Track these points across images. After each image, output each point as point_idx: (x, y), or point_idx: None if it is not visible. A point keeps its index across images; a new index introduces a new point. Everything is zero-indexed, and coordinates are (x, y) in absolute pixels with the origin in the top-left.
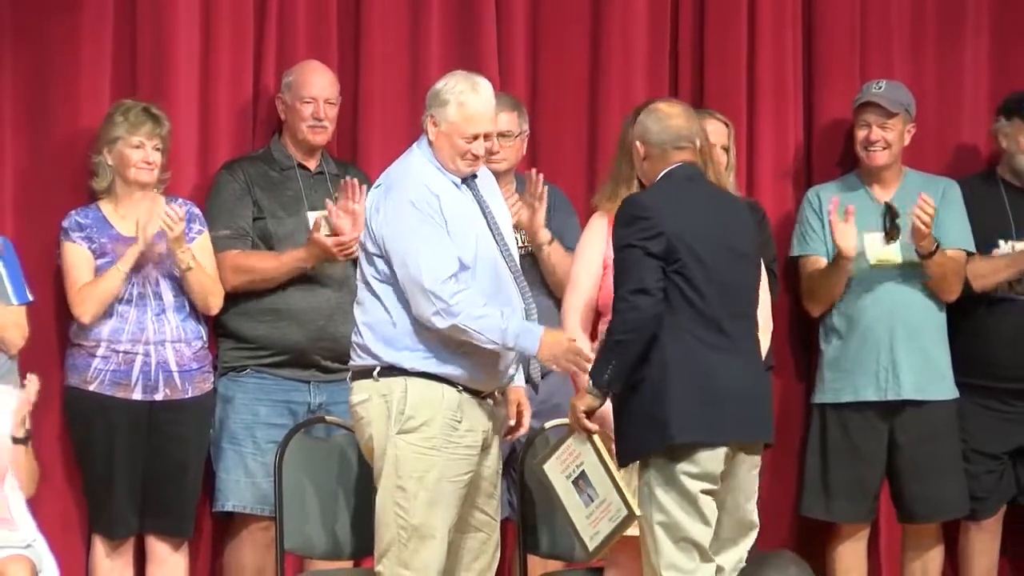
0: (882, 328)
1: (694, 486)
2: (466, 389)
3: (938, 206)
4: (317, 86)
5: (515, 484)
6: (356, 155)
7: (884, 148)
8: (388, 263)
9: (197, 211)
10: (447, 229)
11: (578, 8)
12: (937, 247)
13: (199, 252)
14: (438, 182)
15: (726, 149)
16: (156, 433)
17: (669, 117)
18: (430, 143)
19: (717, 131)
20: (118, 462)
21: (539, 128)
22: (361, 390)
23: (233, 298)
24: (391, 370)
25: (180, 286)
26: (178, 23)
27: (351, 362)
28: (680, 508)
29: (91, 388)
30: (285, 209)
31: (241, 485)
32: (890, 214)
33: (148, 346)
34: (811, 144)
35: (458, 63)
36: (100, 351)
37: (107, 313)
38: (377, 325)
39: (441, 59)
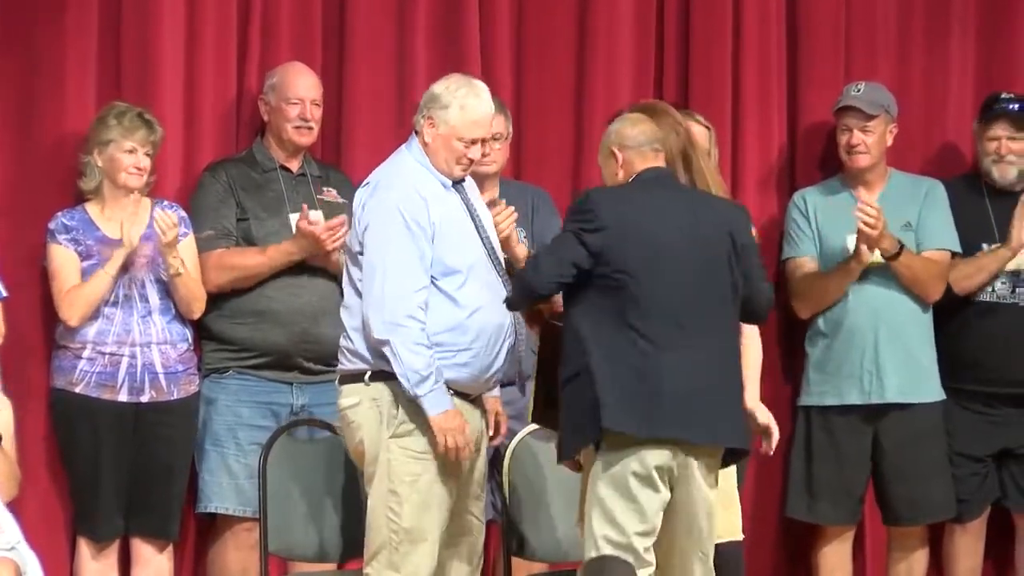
0: (867, 330)
1: (633, 482)
2: (456, 393)
3: (921, 206)
4: (303, 87)
5: (499, 487)
6: (340, 157)
7: (866, 151)
8: None
9: (183, 214)
10: (434, 233)
11: (563, 9)
12: (902, 248)
13: (184, 255)
14: (428, 185)
15: (707, 153)
16: (142, 435)
17: (638, 122)
18: (424, 144)
19: (698, 134)
20: (104, 464)
21: (524, 129)
22: (351, 394)
23: (216, 300)
24: (381, 374)
25: (166, 288)
26: (163, 26)
27: (340, 366)
28: (618, 503)
29: (77, 390)
30: (267, 211)
31: (224, 487)
32: None
33: (134, 348)
34: (795, 146)
35: (442, 64)
36: (86, 353)
37: (93, 315)
38: (364, 328)
39: (426, 61)
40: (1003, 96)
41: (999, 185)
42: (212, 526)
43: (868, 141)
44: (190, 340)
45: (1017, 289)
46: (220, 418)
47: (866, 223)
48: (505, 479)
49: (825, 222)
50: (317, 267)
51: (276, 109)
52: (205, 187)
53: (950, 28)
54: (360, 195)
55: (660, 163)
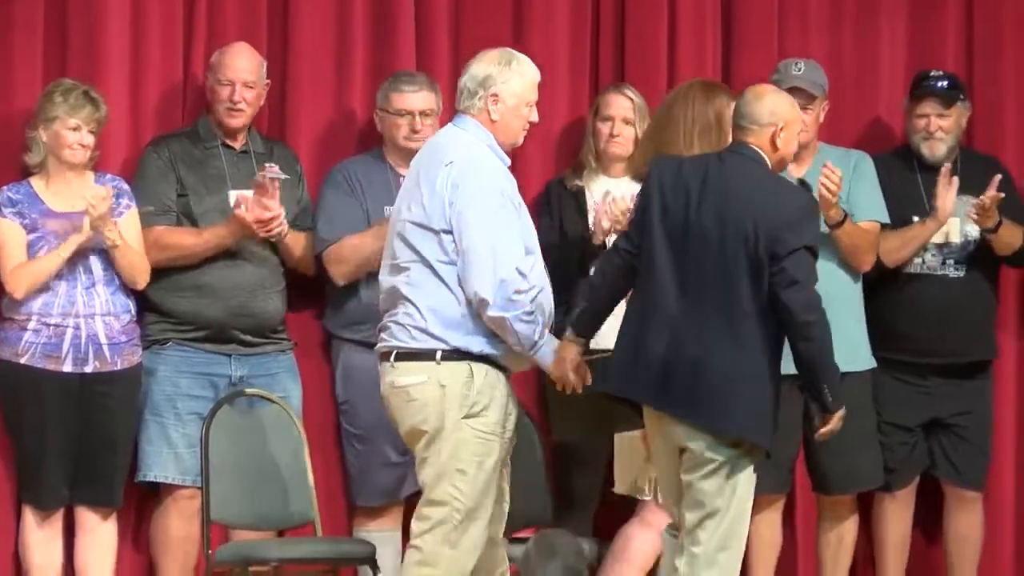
0: None
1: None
2: (497, 366)
3: (851, 178)
4: (235, 69)
5: None
6: (284, 133)
7: (806, 130)
8: (456, 242)
9: (126, 187)
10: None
11: None
12: (845, 217)
13: (126, 227)
14: (504, 168)
15: (630, 123)
16: (87, 405)
17: (744, 100)
18: (490, 123)
19: (620, 104)
20: (49, 434)
21: None
22: (415, 371)
23: (157, 273)
24: (455, 353)
25: (109, 260)
26: (109, 3)
27: (395, 342)
28: None
29: (22, 361)
30: (207, 186)
31: (163, 456)
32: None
33: (78, 319)
34: None
35: (379, 42)
36: (31, 324)
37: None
38: (442, 308)
39: (364, 39)
40: (932, 74)
41: (929, 160)
42: (154, 495)
43: (807, 120)
44: (133, 312)
45: (946, 260)
46: (160, 388)
47: (829, 188)
48: None
49: None
50: (257, 243)
51: (212, 90)
52: (147, 162)
53: (881, 5)
54: (446, 173)
55: (744, 139)
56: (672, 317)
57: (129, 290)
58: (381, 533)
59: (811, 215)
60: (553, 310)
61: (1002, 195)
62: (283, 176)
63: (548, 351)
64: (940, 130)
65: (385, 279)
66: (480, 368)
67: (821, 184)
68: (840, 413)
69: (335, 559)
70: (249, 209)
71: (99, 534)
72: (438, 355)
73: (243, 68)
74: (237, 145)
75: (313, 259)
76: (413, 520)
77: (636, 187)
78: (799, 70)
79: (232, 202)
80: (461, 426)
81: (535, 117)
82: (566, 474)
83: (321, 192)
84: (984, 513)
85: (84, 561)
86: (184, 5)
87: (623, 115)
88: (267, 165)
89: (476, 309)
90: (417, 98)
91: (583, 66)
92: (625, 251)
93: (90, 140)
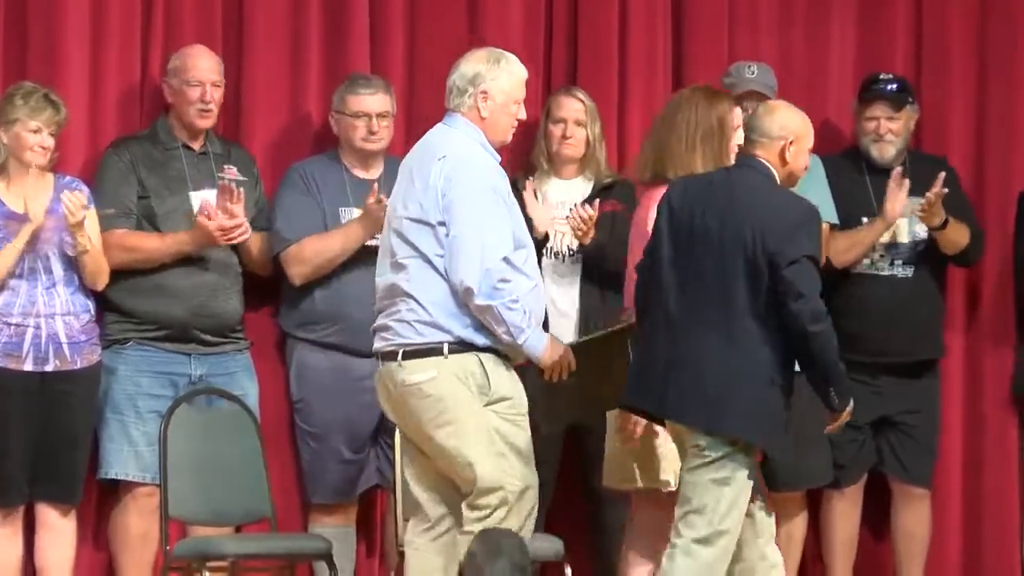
0: None
1: None
2: (501, 355)
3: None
4: (203, 70)
5: (383, 453)
6: (240, 135)
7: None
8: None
9: (86, 189)
10: (509, 208)
11: None
12: None
13: (88, 229)
14: (495, 165)
15: (582, 124)
16: (47, 403)
17: (756, 114)
18: (480, 120)
19: (571, 107)
20: (11, 432)
21: (417, 108)
22: (424, 368)
23: (117, 274)
24: (461, 345)
25: (70, 260)
26: (68, 7)
27: (400, 339)
28: None
29: None
30: (169, 188)
31: (124, 454)
32: None
33: (39, 319)
34: None
35: (334, 45)
36: None
37: None
38: (443, 301)
39: (319, 41)
40: (881, 77)
41: (879, 163)
42: (114, 492)
43: None
44: (92, 311)
45: (894, 261)
46: (120, 387)
47: None
48: (397, 444)
49: None
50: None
51: (179, 92)
52: (108, 164)
53: (830, 8)
54: (439, 168)
55: (748, 152)
56: (672, 318)
57: (89, 290)
58: (335, 529)
59: (810, 225)
60: (544, 308)
61: (946, 191)
62: (241, 178)
63: (537, 340)
64: (890, 132)
65: (383, 277)
66: (487, 357)
67: None
68: (848, 409)
69: (292, 555)
70: (213, 217)
71: (59, 531)
72: (445, 348)
73: (210, 69)
74: (196, 147)
75: (269, 259)
76: (465, 511)
77: (587, 188)
78: (752, 73)
79: (194, 203)
80: (486, 413)
81: (523, 114)
82: None
83: (278, 192)
84: (931, 510)
85: (44, 558)
86: (142, 9)
87: (575, 117)
88: (226, 167)
89: (463, 298)
90: (374, 100)
91: (537, 68)
92: (642, 268)
93: (50, 142)
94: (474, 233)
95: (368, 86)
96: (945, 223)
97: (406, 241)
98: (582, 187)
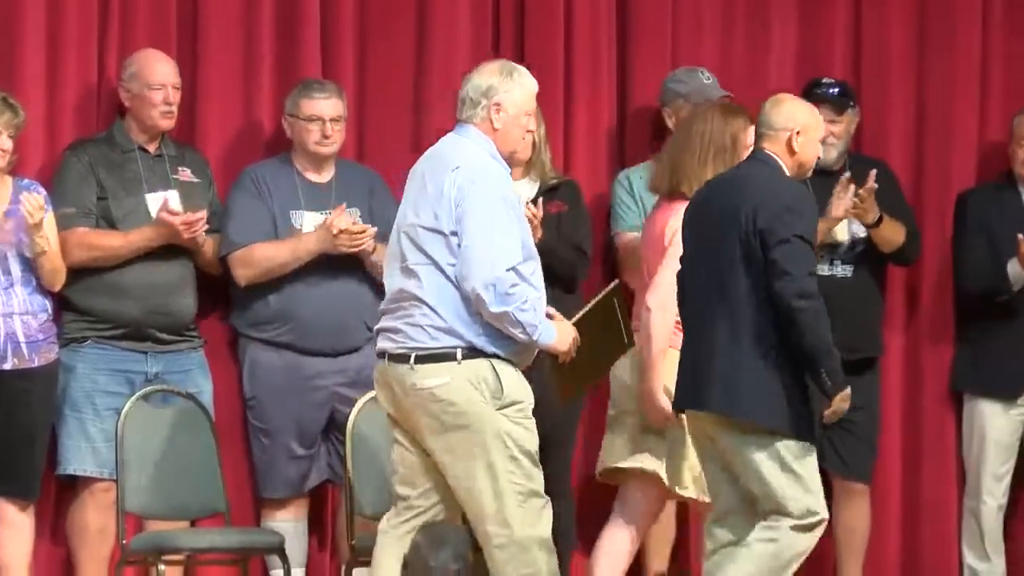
0: None
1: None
2: (510, 362)
3: None
4: (163, 73)
5: (334, 449)
6: (194, 138)
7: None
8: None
9: (43, 191)
10: (518, 217)
11: None
12: None
13: (46, 231)
14: (506, 176)
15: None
16: (5, 401)
17: (764, 108)
18: (492, 132)
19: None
20: None
21: (366, 111)
22: (437, 373)
23: (75, 273)
24: (472, 351)
25: (28, 261)
26: (25, 11)
27: (418, 343)
28: None
29: None
30: (125, 190)
31: (82, 450)
32: None
33: None
34: (624, 126)
35: (285, 48)
36: None
37: None
38: (457, 308)
39: (271, 45)
40: (824, 81)
41: (820, 165)
42: (72, 487)
43: None
44: (50, 310)
45: (834, 261)
46: (78, 385)
47: None
48: (349, 441)
49: (650, 200)
50: (173, 244)
51: (139, 96)
52: (68, 165)
53: (771, 13)
54: (453, 178)
55: (758, 146)
56: (692, 311)
57: (46, 290)
58: (286, 523)
59: (802, 205)
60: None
61: (876, 186)
62: (195, 180)
63: (549, 333)
64: (832, 135)
65: (393, 281)
66: (501, 365)
67: None
68: (844, 393)
69: (245, 549)
70: (176, 212)
71: (18, 526)
72: (459, 354)
73: (170, 72)
74: (152, 149)
75: (220, 259)
76: (489, 527)
77: (533, 189)
78: (708, 80)
79: (150, 204)
80: (498, 418)
81: (533, 126)
82: None
83: (229, 195)
84: (871, 505)
85: (2, 553)
86: (99, 13)
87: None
88: (180, 169)
89: (475, 307)
90: (327, 105)
91: None
92: (679, 275)
93: (9, 145)
94: (485, 244)
95: (322, 90)
96: (880, 220)
97: (419, 247)
98: (528, 188)
